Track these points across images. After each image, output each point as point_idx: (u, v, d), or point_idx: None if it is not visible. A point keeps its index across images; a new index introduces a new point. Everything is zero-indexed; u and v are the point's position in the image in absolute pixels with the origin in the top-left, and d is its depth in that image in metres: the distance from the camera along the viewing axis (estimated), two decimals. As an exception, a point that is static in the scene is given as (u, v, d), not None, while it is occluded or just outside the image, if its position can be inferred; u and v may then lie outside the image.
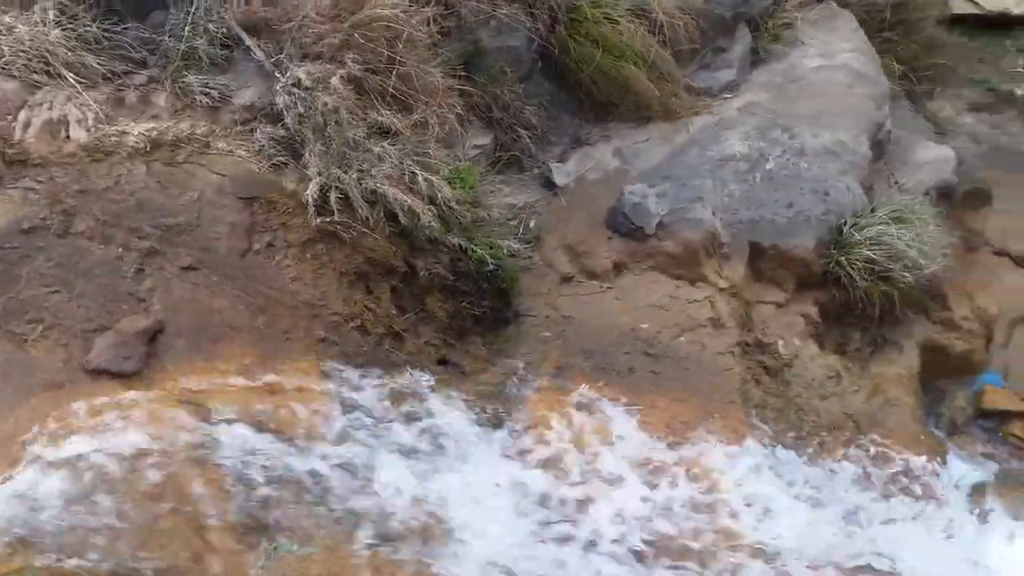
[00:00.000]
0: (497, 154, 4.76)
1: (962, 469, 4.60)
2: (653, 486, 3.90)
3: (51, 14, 3.93)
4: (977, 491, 4.48)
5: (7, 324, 3.40)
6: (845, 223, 4.60)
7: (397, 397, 3.74)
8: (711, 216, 4.60)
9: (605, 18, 4.78)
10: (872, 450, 4.29)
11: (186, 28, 4.04)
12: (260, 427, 3.35)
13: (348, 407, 3.56)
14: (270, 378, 3.47)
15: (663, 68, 4.94)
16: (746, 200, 4.68)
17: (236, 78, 4.05)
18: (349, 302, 3.90)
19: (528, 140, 4.80)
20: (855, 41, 5.35)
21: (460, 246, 4.14)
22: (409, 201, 3.92)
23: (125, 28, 4.08)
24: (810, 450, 4.21)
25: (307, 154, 3.88)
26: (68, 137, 3.77)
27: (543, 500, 3.69)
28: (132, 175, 3.77)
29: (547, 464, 3.81)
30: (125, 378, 3.40)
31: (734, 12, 5.20)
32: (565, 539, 3.63)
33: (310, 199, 3.80)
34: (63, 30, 3.91)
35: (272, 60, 4.01)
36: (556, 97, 5.00)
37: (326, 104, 3.86)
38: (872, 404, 4.45)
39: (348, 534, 3.26)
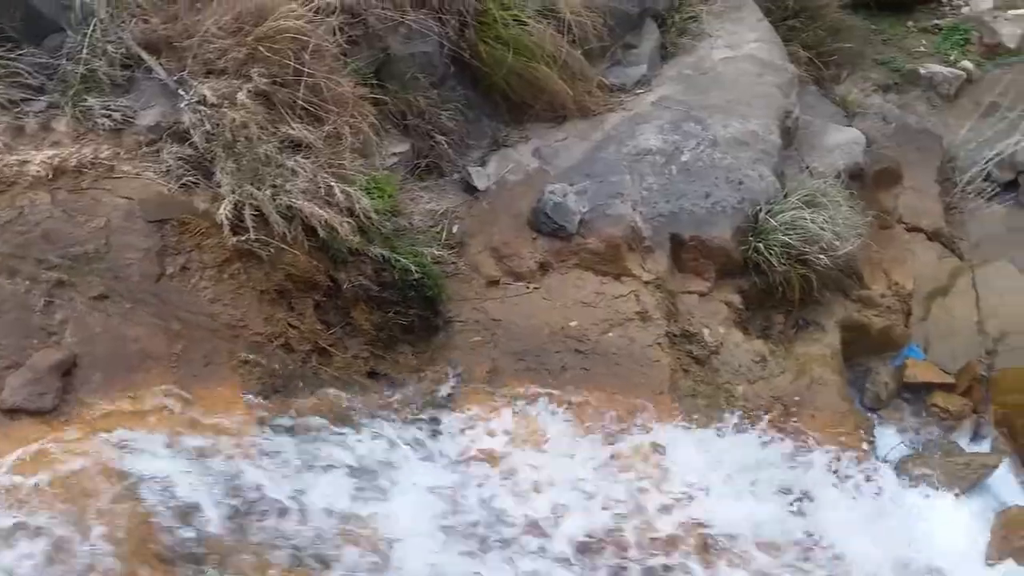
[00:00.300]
0: (416, 161, 4.74)
1: (890, 442, 4.71)
2: (590, 482, 3.92)
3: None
4: (905, 463, 4.59)
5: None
6: (760, 210, 4.68)
7: (325, 414, 3.69)
8: (631, 211, 4.65)
9: (514, 20, 4.79)
10: (801, 429, 4.36)
11: (84, 50, 3.96)
12: (183, 455, 3.27)
13: (273, 429, 3.50)
14: (191, 406, 3.39)
15: (575, 67, 4.97)
16: (665, 193, 4.74)
17: (139, 99, 3.96)
18: (271, 321, 3.85)
19: (446, 145, 4.79)
20: (760, 31, 5.47)
21: (383, 256, 4.10)
22: (327, 215, 3.87)
23: (20, 54, 3.98)
24: (741, 434, 4.27)
25: (218, 172, 3.81)
26: (-34, 170, 3.65)
27: (477, 507, 3.67)
28: (36, 205, 3.67)
29: (482, 469, 3.80)
30: (43, 415, 3.31)
31: (640, 8, 5.26)
32: (503, 543, 3.62)
33: (224, 218, 3.73)
34: (-46, 60, 3.79)
35: (175, 78, 3.94)
36: (472, 101, 5.00)
37: (234, 120, 3.79)
38: (799, 385, 4.53)
39: (277, 559, 3.20)
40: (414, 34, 4.66)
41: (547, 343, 4.30)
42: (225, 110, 3.80)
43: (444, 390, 4.12)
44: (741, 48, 5.36)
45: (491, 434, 3.98)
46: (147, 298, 3.64)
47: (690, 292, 4.63)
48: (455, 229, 4.59)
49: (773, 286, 4.66)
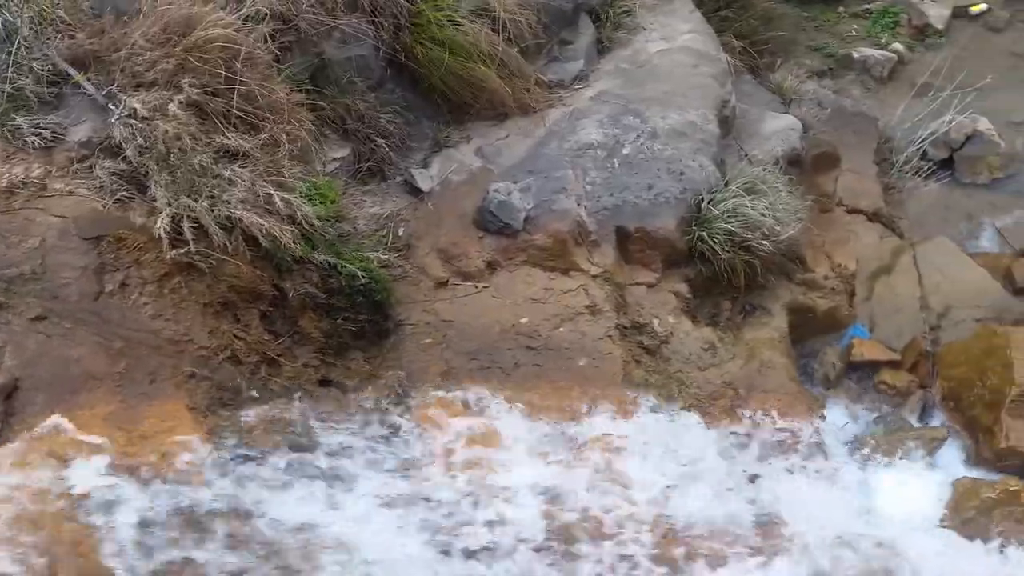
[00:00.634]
0: (357, 165, 4.71)
1: (840, 421, 4.79)
2: (548, 477, 3.93)
3: None
4: (856, 441, 4.67)
5: None
6: (703, 199, 4.73)
7: (275, 427, 3.64)
8: (576, 205, 4.67)
9: (448, 21, 4.78)
10: (753, 413, 4.42)
11: (10, 69, 3.88)
12: (130, 475, 3.22)
13: (222, 443, 3.45)
14: (136, 424, 3.33)
15: (512, 65, 4.97)
16: (608, 186, 4.77)
17: (68, 115, 3.89)
18: (216, 333, 3.80)
19: (387, 148, 4.76)
20: (693, 22, 5.52)
21: (329, 263, 4.07)
22: (267, 223, 3.83)
23: (-57, 76, 3.87)
24: (695, 420, 4.31)
25: (153, 186, 3.75)
26: None
27: (436, 510, 3.66)
28: (-34, 228, 3.58)
29: (436, 473, 3.79)
30: (-15, 440, 3.24)
31: (574, 4, 5.28)
32: (469, 550, 3.62)
33: (162, 232, 3.68)
34: None
35: (104, 92, 3.87)
36: (412, 103, 4.98)
37: (167, 132, 3.73)
38: (749, 369, 4.59)
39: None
40: (348, 38, 4.63)
41: (499, 341, 4.31)
42: (157, 122, 3.75)
43: (397, 395, 4.09)
44: (675, 40, 5.41)
45: (445, 436, 3.96)
46: (87, 317, 3.58)
47: (638, 283, 4.67)
48: (401, 232, 4.57)
49: (719, 274, 4.71)
